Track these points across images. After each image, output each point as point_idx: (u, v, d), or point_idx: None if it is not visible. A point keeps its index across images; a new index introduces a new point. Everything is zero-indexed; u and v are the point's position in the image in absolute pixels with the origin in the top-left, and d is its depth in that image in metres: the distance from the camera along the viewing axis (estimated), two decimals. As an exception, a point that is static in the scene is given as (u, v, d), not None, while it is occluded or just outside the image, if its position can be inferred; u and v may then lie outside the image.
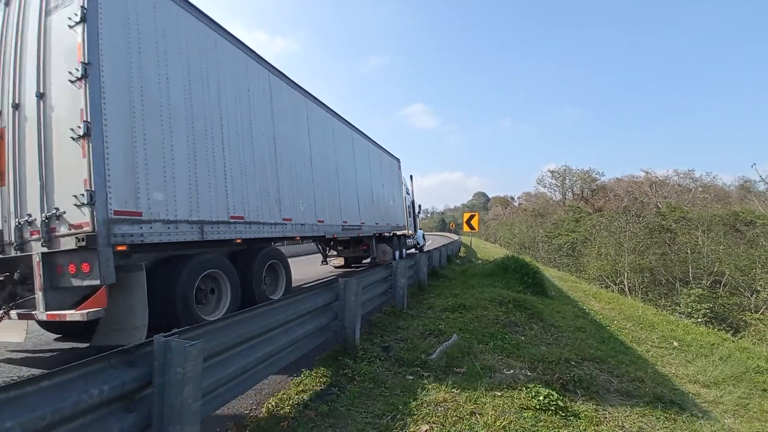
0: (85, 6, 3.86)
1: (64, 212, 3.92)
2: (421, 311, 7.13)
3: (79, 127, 3.78)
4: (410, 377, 4.10)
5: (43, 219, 3.99)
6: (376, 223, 12.42)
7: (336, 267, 14.13)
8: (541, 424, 3.25)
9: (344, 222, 9.88)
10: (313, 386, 3.80)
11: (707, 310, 20.62)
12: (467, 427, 3.12)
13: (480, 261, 18.15)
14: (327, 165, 9.21)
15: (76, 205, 3.83)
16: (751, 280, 21.77)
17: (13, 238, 4.27)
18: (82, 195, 3.77)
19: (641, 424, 3.54)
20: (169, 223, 4.59)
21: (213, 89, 5.53)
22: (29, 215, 4.14)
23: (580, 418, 3.41)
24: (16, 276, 4.28)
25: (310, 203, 8.11)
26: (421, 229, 20.08)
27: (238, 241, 5.88)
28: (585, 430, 3.24)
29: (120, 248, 4.00)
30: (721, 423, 4.03)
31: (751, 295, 21.38)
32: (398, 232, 14.87)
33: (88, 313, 3.77)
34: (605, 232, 31.52)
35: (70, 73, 3.88)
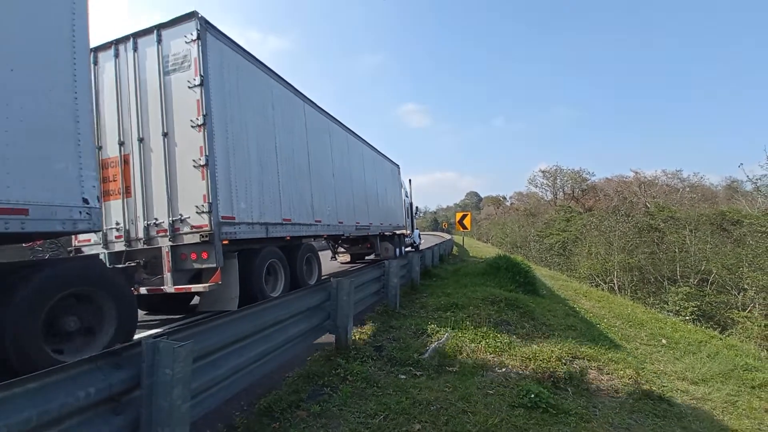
0: (202, 74, 5.53)
1: (188, 217, 5.58)
2: (413, 310, 7.13)
3: (200, 159, 5.49)
4: (403, 376, 4.10)
5: (170, 222, 5.65)
6: (381, 224, 13.71)
7: (342, 263, 15.01)
8: (532, 421, 3.26)
9: (357, 223, 11.44)
10: (305, 386, 3.78)
11: (695, 308, 20.91)
12: (459, 426, 3.13)
13: (472, 260, 18.23)
14: (345, 175, 10.92)
15: (197, 212, 5.52)
16: (738, 279, 22.11)
17: (141, 235, 5.86)
18: (203, 206, 5.49)
19: (630, 420, 3.58)
20: (250, 224, 6.37)
21: (270, 124, 7.31)
22: (156, 219, 5.77)
23: (570, 416, 3.43)
24: (141, 262, 5.79)
25: (333, 207, 9.82)
26: (417, 228, 21.75)
27: (288, 238, 7.63)
28: (575, 427, 3.27)
29: (224, 242, 5.66)
30: (710, 419, 4.09)
31: (738, 294, 21.72)
32: (398, 232, 16.03)
33: (209, 286, 5.59)
34: (595, 232, 31.81)
35: (191, 120, 5.54)
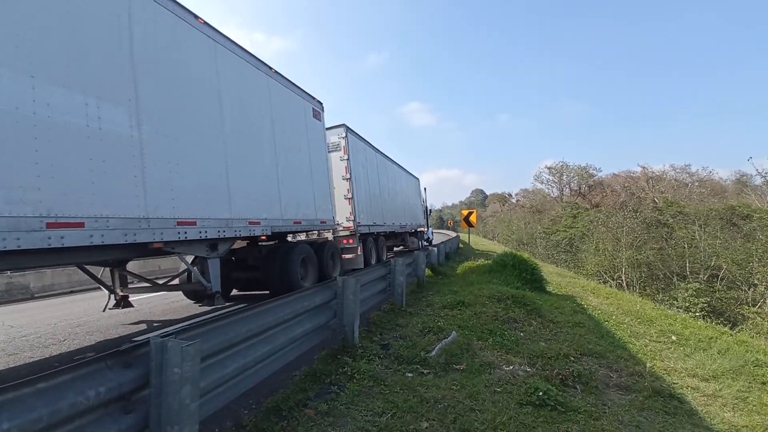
0: (349, 157, 11.10)
1: (342, 222, 10.73)
2: (420, 309, 7.13)
3: (348, 194, 10.96)
4: (410, 375, 4.10)
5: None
6: (410, 224, 18.75)
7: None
8: (541, 419, 3.25)
9: (400, 224, 16.59)
10: (312, 385, 3.79)
11: (705, 304, 20.73)
12: (467, 424, 3.12)
13: (478, 258, 18.19)
14: (393, 194, 16.42)
15: (347, 219, 10.86)
16: (748, 274, 21.88)
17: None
18: (350, 217, 10.91)
19: (640, 418, 3.55)
20: (365, 226, 11.75)
21: (373, 172, 13.61)
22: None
23: (579, 413, 3.42)
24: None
25: (390, 215, 15.20)
26: (430, 227, 27.35)
27: (375, 233, 13.00)
28: (584, 425, 3.25)
29: (358, 234, 10.96)
30: (721, 416, 4.04)
31: (749, 289, 21.50)
32: (419, 229, 21.57)
33: (355, 255, 10.98)
34: (603, 228, 31.60)
35: (342, 176, 11.08)
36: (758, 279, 21.00)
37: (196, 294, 7.55)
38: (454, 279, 10.83)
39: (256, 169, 6.82)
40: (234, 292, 8.57)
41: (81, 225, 3.79)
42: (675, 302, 21.45)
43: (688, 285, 22.76)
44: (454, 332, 5.40)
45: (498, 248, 31.24)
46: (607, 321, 8.07)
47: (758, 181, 31.73)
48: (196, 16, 5.75)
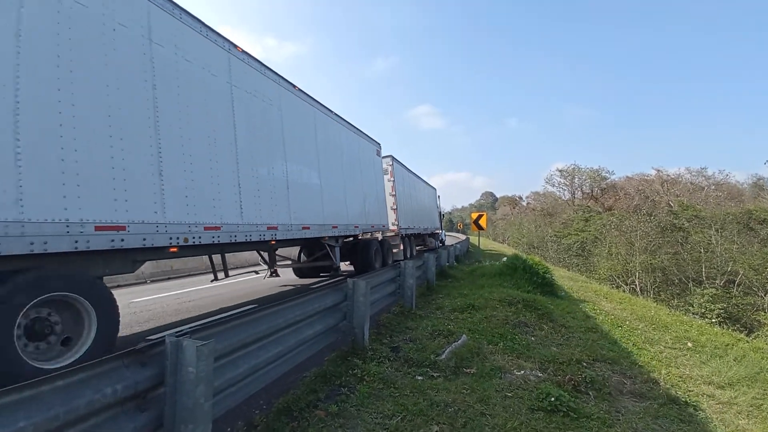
0: (394, 180, 15.05)
1: (388, 225, 13.62)
2: (429, 311, 7.11)
3: (394, 206, 14.71)
4: (420, 378, 4.09)
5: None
6: (429, 227, 22.33)
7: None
8: (552, 425, 3.22)
9: (424, 227, 20.13)
10: (322, 386, 3.80)
11: (721, 311, 20.33)
12: (477, 428, 3.11)
13: (488, 261, 18.08)
14: (421, 204, 20.41)
15: (393, 224, 14.38)
16: (766, 280, 21.40)
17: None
18: (395, 222, 14.60)
19: (655, 426, 3.50)
20: (405, 229, 15.59)
21: (408, 188, 17.59)
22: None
23: (592, 420, 3.38)
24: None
25: (419, 220, 18.92)
26: (443, 229, 31.17)
27: (410, 234, 16.64)
28: None
29: (402, 236, 15.13)
30: (735, 424, 3.97)
31: (765, 295, 21.02)
32: (435, 231, 25.38)
33: (400, 251, 14.74)
34: (616, 232, 31.19)
35: (389, 193, 14.61)
36: (776, 285, 20.53)
37: (314, 270, 10.83)
38: (464, 282, 10.78)
39: (357, 193, 11.08)
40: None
41: (275, 228, 6.92)
42: (690, 308, 21.07)
43: (704, 291, 22.36)
44: (464, 336, 5.37)
45: (508, 251, 31.02)
46: (620, 326, 7.96)
47: (776, 184, 31.04)
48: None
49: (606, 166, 68.17)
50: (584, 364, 4.63)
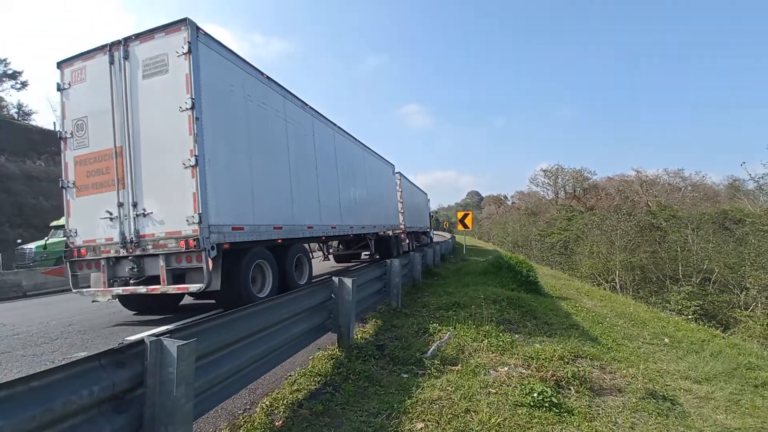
0: (401, 191, 19.50)
1: (398, 225, 18.36)
2: (415, 309, 7.13)
3: (401, 209, 19.19)
4: (405, 375, 4.09)
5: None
6: (423, 226, 26.76)
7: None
8: (536, 420, 3.25)
9: (420, 226, 24.32)
10: (307, 385, 3.77)
11: (697, 308, 20.86)
12: (462, 425, 3.12)
13: (474, 259, 18.23)
14: (417, 207, 24.05)
15: (401, 224, 18.78)
16: (741, 278, 22.05)
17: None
18: (402, 222, 18.98)
19: (634, 419, 3.56)
20: (409, 228, 20.23)
21: (411, 196, 22.51)
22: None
23: (574, 414, 3.42)
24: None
25: (416, 220, 22.54)
26: (432, 228, 35.53)
27: (413, 232, 22.57)
28: (579, 426, 3.26)
29: (407, 233, 20.44)
30: (714, 418, 4.07)
31: (741, 293, 21.66)
32: (427, 230, 29.80)
33: (407, 243, 20.07)
34: (597, 231, 31.75)
35: (398, 200, 19.32)
36: (750, 283, 21.17)
37: (348, 256, 16.97)
38: (449, 280, 10.83)
39: (382, 203, 15.82)
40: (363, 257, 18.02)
41: (335, 227, 10.48)
42: (668, 305, 21.58)
43: (681, 288, 22.91)
44: (449, 333, 5.40)
45: (493, 250, 31.32)
46: (600, 323, 8.11)
47: (751, 185, 32.04)
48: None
49: (588, 167, 69.23)
50: (566, 360, 4.69)
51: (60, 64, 6.40)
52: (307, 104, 9.11)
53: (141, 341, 2.19)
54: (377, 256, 15.81)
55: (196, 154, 5.42)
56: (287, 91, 8.30)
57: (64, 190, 6.30)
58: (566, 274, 26.85)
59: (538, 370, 4.29)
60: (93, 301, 6.80)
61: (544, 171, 64.56)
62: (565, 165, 63.56)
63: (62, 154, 6.34)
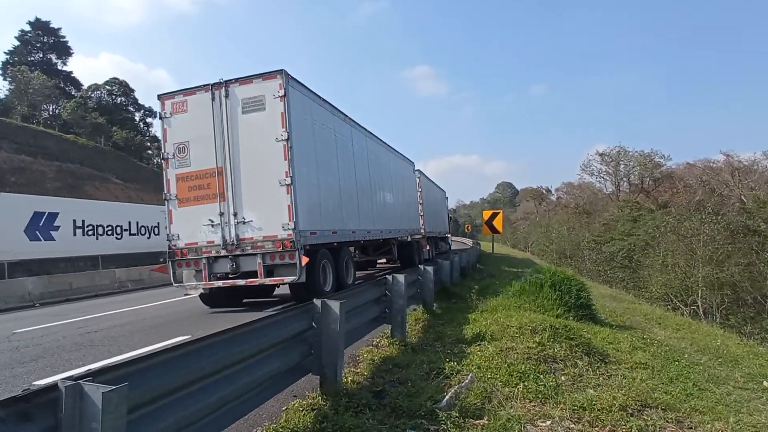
0: (421, 191, 25.01)
1: (419, 229, 23.38)
2: (426, 343, 7.14)
3: (422, 212, 24.39)
4: (411, 432, 4.10)
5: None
6: (442, 231, 31.43)
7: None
8: (588, 493, 3.26)
9: (438, 231, 29.86)
10: (279, 446, 3.78)
11: (809, 340, 20.88)
12: (488, 499, 3.12)
13: (505, 275, 18.23)
14: (436, 208, 30.30)
15: (421, 228, 23.85)
16: None
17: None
18: (422, 226, 24.26)
19: (721, 491, 3.57)
20: (429, 232, 25.74)
21: (430, 195, 28.12)
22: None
23: (640, 485, 3.43)
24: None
25: (435, 225, 28.24)
26: (450, 234, 40.53)
27: (432, 237, 27.60)
28: (647, 500, 3.26)
29: (427, 237, 25.74)
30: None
31: None
32: (445, 235, 34.90)
33: (427, 250, 25.66)
34: (672, 236, 31.83)
35: (418, 201, 24.50)
36: None
37: (367, 263, 19.28)
38: (471, 303, 10.85)
39: (406, 206, 20.87)
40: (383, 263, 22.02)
41: (369, 231, 15.76)
42: (768, 336, 21.62)
43: (787, 314, 22.93)
44: (471, 375, 5.40)
45: (531, 261, 31.35)
46: (677, 361, 8.12)
47: None
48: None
49: (660, 150, 68.91)
50: (630, 411, 4.70)
51: (160, 97, 10.28)
52: (347, 116, 13.42)
53: (55, 386, 2.19)
54: (398, 264, 19.84)
55: (291, 175, 9.34)
56: (334, 107, 12.45)
57: (166, 202, 10.12)
58: (630, 295, 26.91)
59: (592, 425, 4.30)
60: (185, 295, 11.67)
61: (601, 155, 64.76)
62: (629, 147, 63.38)
63: (164, 172, 10.22)
